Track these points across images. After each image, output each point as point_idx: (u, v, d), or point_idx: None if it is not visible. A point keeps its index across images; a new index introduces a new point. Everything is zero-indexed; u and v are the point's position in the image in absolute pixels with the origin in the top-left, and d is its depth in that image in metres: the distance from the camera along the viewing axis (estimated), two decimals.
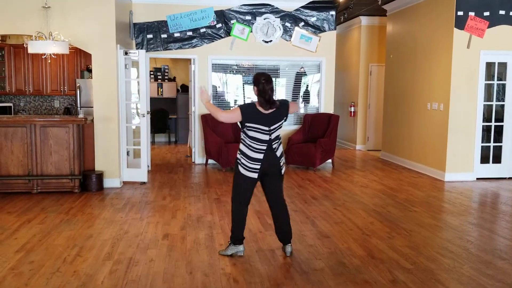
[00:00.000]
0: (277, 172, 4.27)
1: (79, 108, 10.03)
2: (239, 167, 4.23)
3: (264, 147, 4.15)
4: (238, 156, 4.25)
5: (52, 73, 10.40)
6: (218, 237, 4.87)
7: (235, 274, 3.94)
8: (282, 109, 4.21)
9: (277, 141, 4.23)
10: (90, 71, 9.93)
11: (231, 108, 4.13)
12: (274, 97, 4.18)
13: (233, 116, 4.18)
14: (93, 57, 7.16)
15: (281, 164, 4.28)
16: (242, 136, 4.24)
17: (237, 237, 4.34)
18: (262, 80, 4.12)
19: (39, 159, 6.75)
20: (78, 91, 9.98)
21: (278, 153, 4.24)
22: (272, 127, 4.16)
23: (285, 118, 4.24)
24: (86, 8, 7.03)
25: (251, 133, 4.15)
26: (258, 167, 4.16)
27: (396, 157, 9.91)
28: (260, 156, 4.15)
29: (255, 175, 4.19)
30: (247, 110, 4.15)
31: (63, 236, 4.88)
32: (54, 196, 6.61)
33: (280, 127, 4.23)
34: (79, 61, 10.45)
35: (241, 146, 4.24)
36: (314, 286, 3.71)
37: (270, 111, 4.14)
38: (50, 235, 4.90)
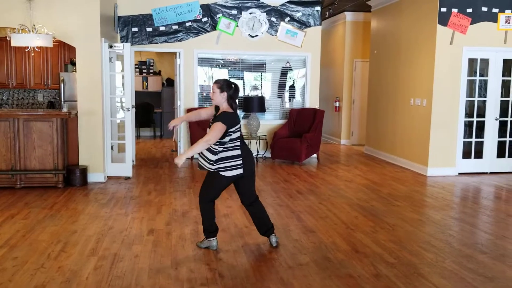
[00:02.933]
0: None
1: (62, 102, 9.92)
2: (221, 173, 4.21)
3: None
4: (217, 165, 4.19)
5: (35, 67, 10.27)
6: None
7: (221, 269, 3.96)
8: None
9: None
10: (74, 64, 9.83)
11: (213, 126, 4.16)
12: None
13: (221, 130, 4.10)
14: (77, 51, 7.09)
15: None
16: (220, 146, 4.17)
17: (210, 230, 4.40)
18: (233, 86, 4.27)
19: (22, 154, 6.68)
20: (62, 85, 9.88)
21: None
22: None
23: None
24: (71, 1, 6.95)
25: (234, 135, 4.21)
26: (241, 162, 4.25)
27: (380, 151, 10.00)
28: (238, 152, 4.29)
29: (240, 171, 4.24)
30: (229, 119, 4.17)
31: (47, 231, 4.85)
32: (37, 191, 6.56)
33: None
34: (63, 54, 10.32)
35: (220, 155, 4.18)
36: (299, 281, 3.75)
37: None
38: (34, 230, 4.87)
